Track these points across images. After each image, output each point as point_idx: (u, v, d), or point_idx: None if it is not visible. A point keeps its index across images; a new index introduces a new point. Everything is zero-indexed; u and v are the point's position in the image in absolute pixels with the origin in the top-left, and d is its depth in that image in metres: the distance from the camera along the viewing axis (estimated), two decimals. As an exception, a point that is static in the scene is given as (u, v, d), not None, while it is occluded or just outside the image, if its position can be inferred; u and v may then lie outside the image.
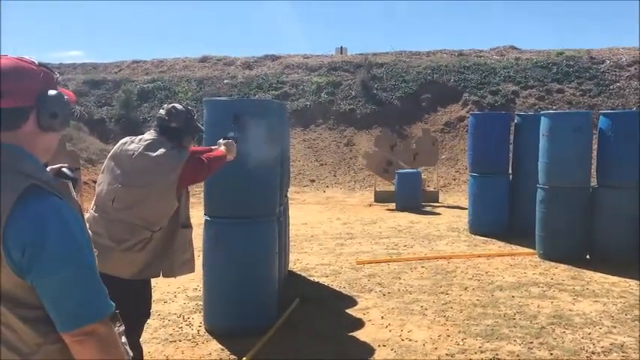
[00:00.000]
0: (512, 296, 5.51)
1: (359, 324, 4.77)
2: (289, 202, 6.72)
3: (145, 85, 19.39)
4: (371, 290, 5.74)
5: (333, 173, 15.76)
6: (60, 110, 1.41)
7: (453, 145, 16.27)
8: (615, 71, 17.70)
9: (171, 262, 3.15)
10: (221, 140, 3.52)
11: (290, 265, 6.55)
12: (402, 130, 16.83)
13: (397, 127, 16.86)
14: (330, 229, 9.40)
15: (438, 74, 18.39)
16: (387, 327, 4.67)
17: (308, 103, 18.01)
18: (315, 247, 7.86)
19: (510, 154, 8.93)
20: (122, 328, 1.46)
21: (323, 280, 6.13)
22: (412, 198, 11.46)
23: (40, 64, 1.43)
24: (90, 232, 2.81)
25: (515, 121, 8.96)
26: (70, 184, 1.45)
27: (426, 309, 5.13)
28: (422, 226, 9.49)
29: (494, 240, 8.23)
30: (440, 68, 18.62)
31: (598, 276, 6.23)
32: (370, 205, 12.33)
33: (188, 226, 3.26)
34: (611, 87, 17.14)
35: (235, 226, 4.37)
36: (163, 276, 3.20)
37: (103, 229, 2.97)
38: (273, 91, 18.58)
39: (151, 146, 3.10)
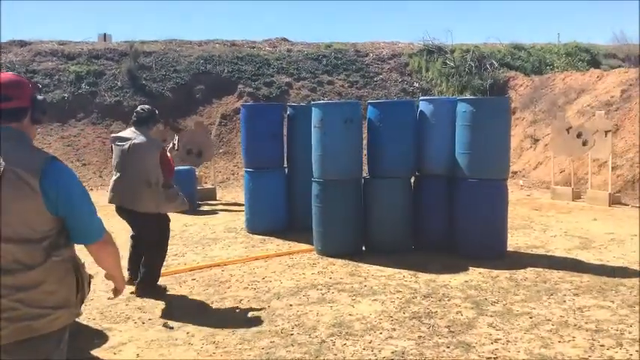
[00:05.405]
0: (291, 305, 4.99)
1: (106, 370, 3.79)
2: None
3: None
4: (128, 318, 4.76)
5: (98, 174, 14.04)
6: (47, 109, 2.35)
7: (231, 139, 15.67)
8: (378, 64, 18.78)
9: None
10: None
11: None
12: (176, 124, 15.72)
13: (171, 120, 15.70)
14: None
15: (211, 64, 17.59)
16: (142, 369, 3.77)
17: (65, 95, 15.82)
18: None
19: (285, 147, 8.54)
20: None
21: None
22: (186, 198, 10.52)
23: (27, 78, 2.40)
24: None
25: (288, 112, 8.58)
26: None
27: (193, 336, 4.33)
28: (196, 229, 8.65)
29: (272, 238, 7.75)
30: (213, 58, 17.85)
31: (374, 269, 6.06)
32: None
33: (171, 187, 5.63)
34: (375, 79, 18.14)
35: None
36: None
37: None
38: (22, 82, 15.97)
39: None
